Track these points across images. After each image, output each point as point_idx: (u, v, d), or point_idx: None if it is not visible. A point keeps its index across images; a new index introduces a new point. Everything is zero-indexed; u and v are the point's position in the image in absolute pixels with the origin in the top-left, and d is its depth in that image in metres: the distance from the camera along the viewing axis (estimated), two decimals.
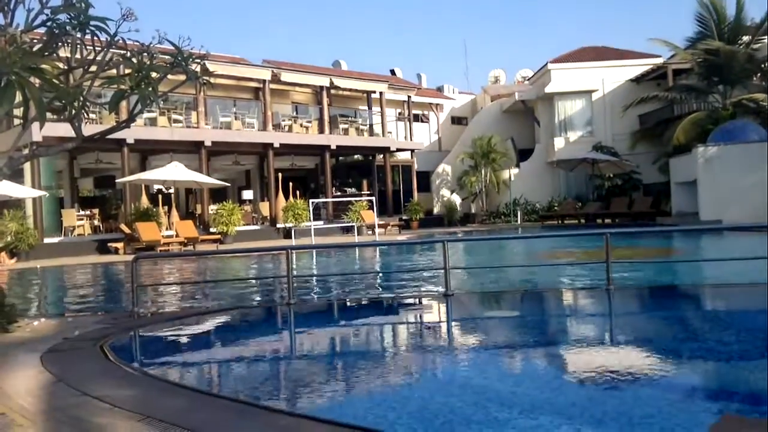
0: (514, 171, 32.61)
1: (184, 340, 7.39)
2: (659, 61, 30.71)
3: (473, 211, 33.37)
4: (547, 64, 32.55)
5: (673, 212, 25.03)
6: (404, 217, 30.40)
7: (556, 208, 30.43)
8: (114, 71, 7.33)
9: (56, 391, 4.49)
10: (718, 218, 20.63)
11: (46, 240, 21.30)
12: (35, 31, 6.69)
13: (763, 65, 24.16)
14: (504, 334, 6.90)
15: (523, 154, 33.78)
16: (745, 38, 25.24)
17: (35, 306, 10.98)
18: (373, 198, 26.72)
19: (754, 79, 25.63)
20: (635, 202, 27.55)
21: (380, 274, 13.48)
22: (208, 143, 24.58)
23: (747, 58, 24.58)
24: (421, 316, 8.45)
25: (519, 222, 30.22)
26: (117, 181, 23.69)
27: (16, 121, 10.34)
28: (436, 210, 34.44)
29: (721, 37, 25.35)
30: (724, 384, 4.71)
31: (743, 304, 8.16)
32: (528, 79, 38.30)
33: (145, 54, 7.03)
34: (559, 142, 31.80)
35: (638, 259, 12.90)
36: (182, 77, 7.54)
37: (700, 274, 10.86)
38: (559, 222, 28.70)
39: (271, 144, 26.44)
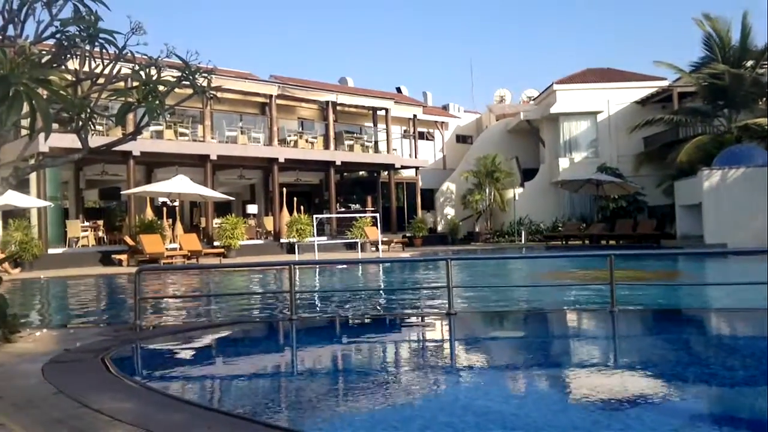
0: (519, 190, 32.63)
1: (185, 353, 7.36)
2: (665, 83, 30.82)
3: (477, 229, 33.35)
4: (552, 84, 32.69)
5: (677, 235, 24.96)
6: (408, 235, 30.38)
7: (560, 228, 30.37)
8: (122, 84, 7.38)
9: (57, 402, 4.46)
10: (723, 242, 20.57)
11: (51, 250, 21.33)
12: (44, 42, 6.74)
13: None
14: (506, 354, 6.86)
15: (528, 174, 33.83)
16: (750, 63, 25.33)
17: (38, 316, 10.96)
18: (377, 214, 26.73)
19: (760, 103, 25.68)
20: (640, 224, 27.48)
21: (383, 292, 13.44)
22: (213, 157, 24.67)
23: (752, 82, 24.65)
24: (423, 335, 8.41)
25: (523, 242, 30.17)
26: (122, 192, 23.78)
27: (23, 132, 10.37)
28: (439, 228, 34.43)
29: (726, 61, 25.45)
30: (727, 409, 4.67)
31: (747, 329, 8.11)
32: (533, 99, 38.44)
33: (153, 67, 7.08)
34: (563, 163, 31.84)
35: (642, 281, 12.84)
36: (189, 91, 7.59)
37: (704, 298, 10.80)
38: (563, 242, 28.64)
39: (277, 159, 26.53)
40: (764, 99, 25.51)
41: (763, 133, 24.42)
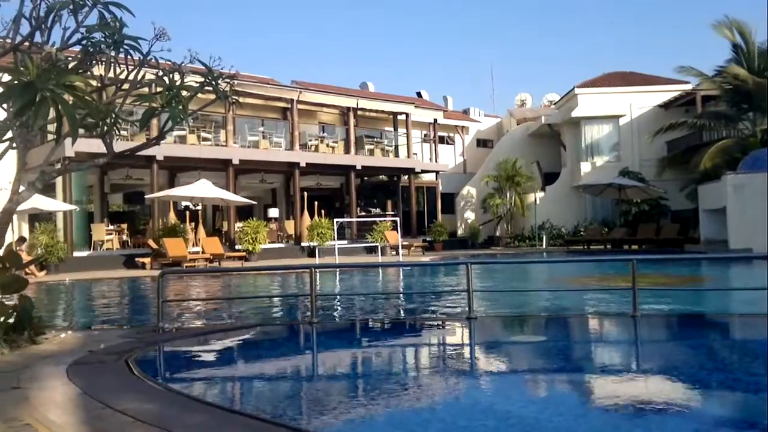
0: (540, 195, 32.45)
1: (207, 356, 7.43)
2: (688, 87, 30.45)
3: (498, 234, 33.21)
4: (573, 88, 32.48)
5: (701, 239, 24.66)
6: (428, 239, 30.33)
7: (582, 233, 30.15)
8: (146, 89, 7.48)
9: (81, 403, 4.53)
10: (748, 246, 20.28)
11: (76, 253, 21.62)
12: (70, 48, 6.86)
13: None
14: (527, 359, 6.83)
15: (549, 178, 33.64)
16: None
17: (62, 319, 11.12)
18: (398, 219, 26.74)
19: None
20: (663, 228, 27.20)
21: (403, 296, 13.44)
22: (235, 161, 24.85)
23: None
24: (443, 339, 8.40)
25: (544, 246, 29.98)
26: (146, 197, 24.03)
27: (50, 137, 10.52)
28: (460, 232, 34.33)
29: (751, 64, 25.11)
30: (750, 415, 4.61)
31: None
32: (554, 103, 38.23)
33: (177, 73, 7.17)
34: (585, 167, 31.61)
35: (665, 286, 12.71)
36: (212, 96, 7.67)
37: (728, 303, 10.66)
38: (585, 247, 28.43)
39: (298, 163, 26.65)
40: None
41: None
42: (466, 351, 7.53)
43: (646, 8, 77.77)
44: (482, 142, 39.06)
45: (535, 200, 31.87)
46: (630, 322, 8.08)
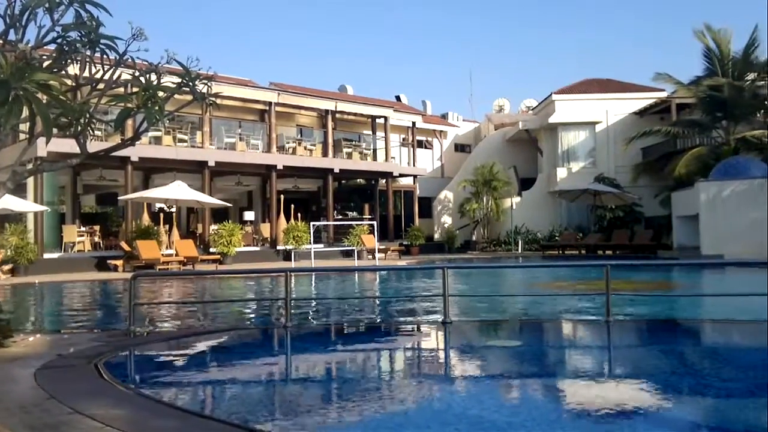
0: (516, 199, 32.69)
1: (179, 360, 7.35)
2: (663, 95, 30.89)
3: (474, 238, 33.35)
4: (551, 94, 32.78)
5: (674, 246, 24.99)
6: (405, 243, 30.35)
7: (557, 238, 30.40)
8: (121, 89, 7.40)
9: (49, 408, 4.45)
10: (720, 253, 20.58)
11: (46, 255, 21.28)
12: (45, 47, 6.75)
13: (767, 102, 24.29)
14: (500, 364, 6.85)
15: (525, 183, 33.89)
16: (751, 76, 25.39)
17: (31, 321, 10.93)
18: (375, 222, 26.72)
19: (758, 115, 25.76)
20: (636, 234, 27.51)
21: (379, 300, 13.42)
22: (211, 163, 24.67)
23: (752, 94, 24.73)
24: (418, 344, 8.40)
25: (520, 251, 30.17)
26: (119, 198, 23.74)
27: (22, 136, 10.37)
28: (437, 236, 34.42)
29: (726, 73, 25.53)
30: (720, 420, 4.66)
31: (742, 340, 8.11)
32: (532, 109, 38.53)
33: (153, 73, 7.09)
34: (561, 173, 31.91)
35: (638, 291, 12.84)
36: (189, 97, 7.60)
37: (700, 309, 10.80)
38: (560, 252, 28.65)
39: (275, 166, 26.54)
40: (762, 111, 25.57)
41: (761, 145, 24.50)
42: (441, 355, 7.54)
43: (625, 16, 78.74)
44: (460, 147, 39.22)
45: (512, 205, 32.08)
46: (603, 327, 8.15)
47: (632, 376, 6.13)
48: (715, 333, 8.88)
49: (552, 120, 32.00)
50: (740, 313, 9.22)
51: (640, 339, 8.52)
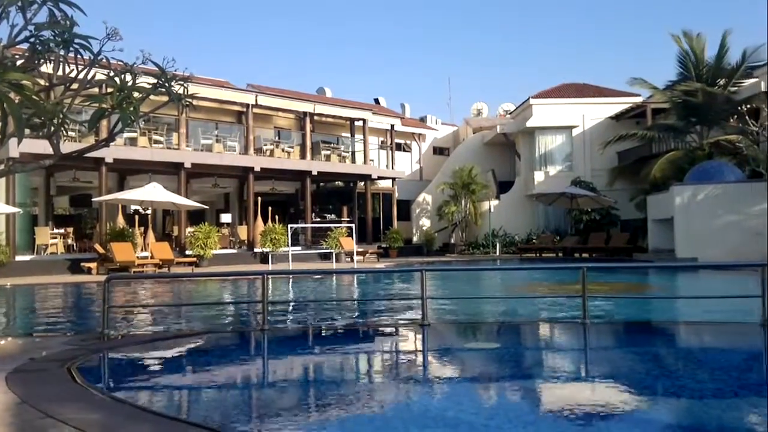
0: (494, 203, 32.87)
1: (153, 364, 7.26)
2: (639, 99, 31.32)
3: (452, 241, 33.46)
4: (528, 99, 33.03)
5: (649, 248, 25.27)
6: (383, 245, 30.37)
7: (534, 240, 30.61)
8: (96, 90, 7.30)
9: (20, 412, 4.37)
10: (694, 256, 20.86)
11: (18, 257, 20.95)
12: (18, 46, 6.64)
13: (740, 107, 24.65)
14: (478, 365, 6.86)
15: (503, 187, 34.10)
16: (723, 81, 25.78)
17: (2, 324, 10.74)
18: (353, 225, 26.68)
19: (731, 120, 26.14)
20: (612, 237, 27.79)
21: (357, 302, 13.40)
22: (188, 165, 24.47)
23: (725, 99, 25.11)
24: (396, 346, 8.39)
25: (497, 253, 30.32)
26: (93, 200, 23.45)
27: None
28: (415, 239, 34.48)
29: (700, 78, 25.88)
30: (694, 421, 4.71)
31: (716, 341, 8.22)
32: (510, 113, 38.79)
33: (128, 73, 7.00)
34: (538, 176, 32.15)
35: (614, 294, 12.96)
36: (165, 98, 7.51)
37: (674, 311, 10.93)
38: (537, 255, 28.85)
39: (252, 168, 26.41)
40: (735, 116, 25.95)
41: (734, 149, 24.85)
42: (419, 358, 7.53)
43: (602, 22, 79.56)
44: (439, 150, 39.35)
45: (490, 208, 32.24)
46: (580, 328, 8.21)
47: (608, 377, 6.17)
48: (687, 334, 8.99)
49: (529, 124, 32.25)
50: (713, 314, 9.35)
51: (615, 341, 8.60)
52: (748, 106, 23.46)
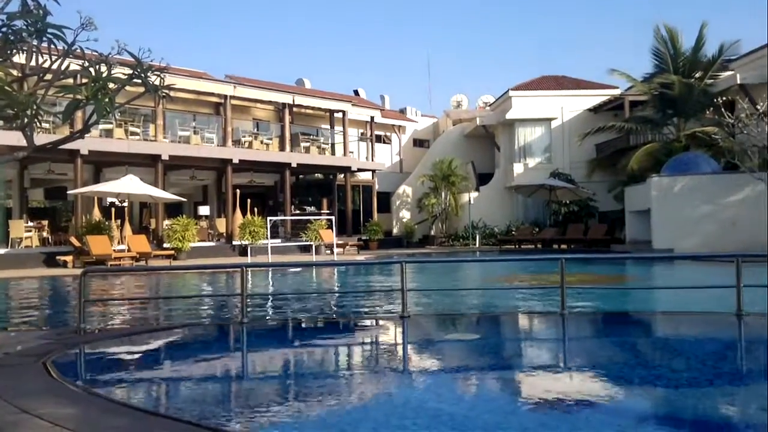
0: (474, 194, 32.98)
1: (130, 357, 7.20)
2: (617, 92, 31.56)
3: (432, 233, 33.55)
4: (508, 91, 33.15)
5: (626, 240, 25.53)
6: (363, 238, 30.37)
7: (513, 232, 30.79)
8: (70, 80, 7.18)
9: None
10: (670, 247, 21.12)
11: None
12: None
13: (716, 99, 24.93)
14: (458, 357, 6.89)
15: (483, 179, 34.22)
16: (699, 74, 26.04)
17: None
18: (333, 217, 26.64)
19: (707, 112, 26.43)
20: (591, 228, 28.05)
21: (337, 294, 13.39)
22: (165, 157, 24.24)
23: (701, 92, 25.37)
24: (376, 338, 8.39)
25: (477, 245, 30.46)
26: (69, 192, 23.17)
27: None
28: (395, 231, 34.52)
29: (677, 71, 26.11)
30: (672, 410, 4.76)
31: (691, 331, 8.32)
32: (489, 105, 38.90)
33: (103, 64, 6.90)
34: (518, 168, 32.31)
35: (592, 285, 13.07)
36: (141, 89, 7.41)
37: (651, 302, 11.06)
38: (517, 246, 29.03)
39: (230, 160, 26.23)
40: (711, 109, 26.23)
41: (710, 141, 25.14)
42: (399, 349, 7.54)
43: (583, 13, 79.99)
44: (419, 142, 39.38)
45: (470, 200, 32.36)
46: (558, 319, 8.27)
47: (586, 368, 6.23)
48: (664, 325, 9.10)
49: (509, 116, 32.37)
50: (689, 305, 9.47)
51: (593, 331, 8.67)
52: (724, 98, 23.73)
